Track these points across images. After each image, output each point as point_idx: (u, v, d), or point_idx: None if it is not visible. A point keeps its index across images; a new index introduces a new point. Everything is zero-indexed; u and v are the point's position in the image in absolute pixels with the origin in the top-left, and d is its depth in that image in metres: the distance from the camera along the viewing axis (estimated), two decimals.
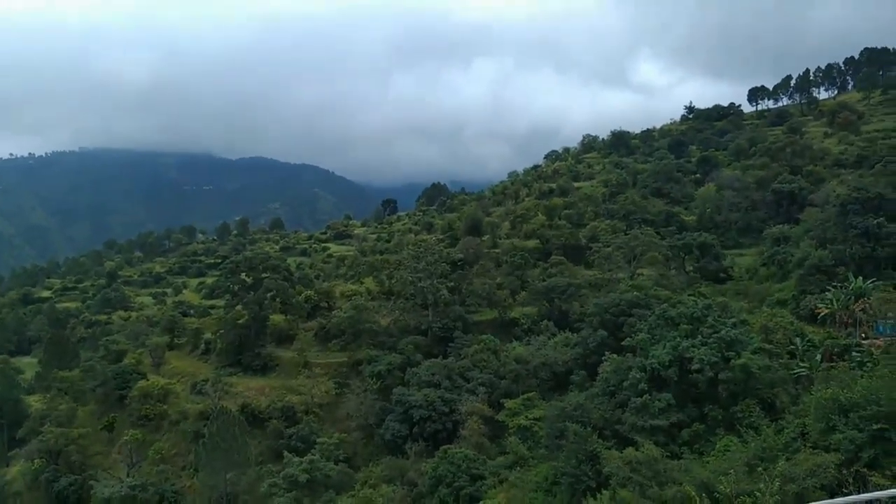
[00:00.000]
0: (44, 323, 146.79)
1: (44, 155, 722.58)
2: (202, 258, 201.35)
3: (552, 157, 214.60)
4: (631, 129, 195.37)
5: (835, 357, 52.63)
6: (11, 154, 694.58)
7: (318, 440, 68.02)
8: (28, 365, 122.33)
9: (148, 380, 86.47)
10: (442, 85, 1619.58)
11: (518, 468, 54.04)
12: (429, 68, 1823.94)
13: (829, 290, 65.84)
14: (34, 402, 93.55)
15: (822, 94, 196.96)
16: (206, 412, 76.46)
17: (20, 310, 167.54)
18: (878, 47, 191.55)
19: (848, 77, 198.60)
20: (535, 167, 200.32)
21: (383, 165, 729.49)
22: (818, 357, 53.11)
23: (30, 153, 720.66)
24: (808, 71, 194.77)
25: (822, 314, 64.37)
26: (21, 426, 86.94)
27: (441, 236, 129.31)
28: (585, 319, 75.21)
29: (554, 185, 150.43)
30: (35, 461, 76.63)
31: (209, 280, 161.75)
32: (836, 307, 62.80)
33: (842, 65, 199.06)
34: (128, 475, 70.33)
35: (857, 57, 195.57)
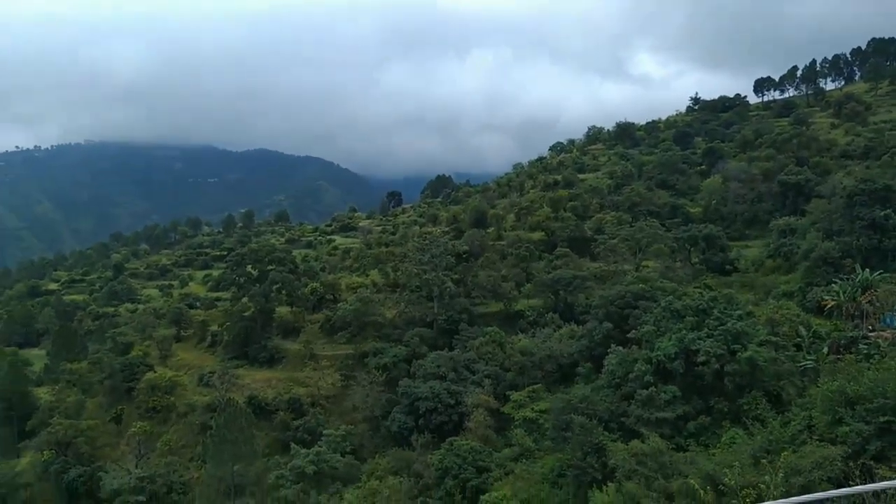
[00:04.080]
0: (51, 315, 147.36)
1: (49, 147, 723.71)
2: (208, 250, 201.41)
3: (557, 148, 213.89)
4: (629, 120, 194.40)
5: (841, 349, 52.58)
6: (17, 146, 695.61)
7: (325, 432, 68.45)
8: (36, 357, 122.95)
9: (155, 372, 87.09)
10: (439, 76, 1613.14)
11: (524, 460, 54.34)
12: (426, 59, 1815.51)
13: (835, 282, 65.68)
14: (43, 395, 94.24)
15: (829, 85, 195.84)
16: (213, 404, 77.09)
17: (28, 302, 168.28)
18: (886, 37, 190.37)
19: (855, 68, 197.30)
20: (540, 159, 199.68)
21: (384, 157, 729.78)
22: (825, 349, 53.10)
23: (35, 146, 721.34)
24: (814, 61, 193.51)
25: (829, 306, 64.24)
26: (30, 418, 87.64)
27: (446, 228, 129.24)
28: (591, 312, 75.34)
29: (559, 177, 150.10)
30: (44, 453, 77.28)
31: (215, 272, 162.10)
32: (842, 299, 62.69)
33: (848, 55, 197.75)
34: (136, 466, 70.81)
35: (864, 47, 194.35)
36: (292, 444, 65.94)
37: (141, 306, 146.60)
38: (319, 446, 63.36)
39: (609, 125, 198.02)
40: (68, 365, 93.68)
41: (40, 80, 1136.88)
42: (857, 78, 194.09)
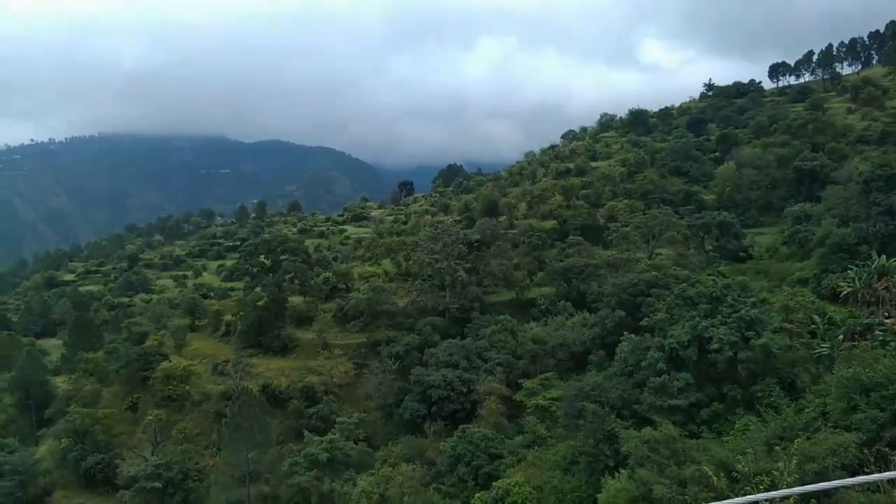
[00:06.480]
0: (68, 306, 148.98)
1: (63, 140, 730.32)
2: (221, 241, 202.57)
3: (569, 136, 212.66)
4: (638, 107, 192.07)
5: (857, 336, 52.07)
6: (32, 140, 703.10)
7: (338, 420, 68.77)
8: (53, 347, 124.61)
9: (170, 361, 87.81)
10: (448, 64, 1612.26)
11: (536, 447, 54.41)
12: (435, 47, 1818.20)
13: (851, 269, 65.02)
14: (60, 383, 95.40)
15: (846, 70, 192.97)
16: (227, 393, 77.71)
17: (45, 293, 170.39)
18: None
19: (872, 52, 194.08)
20: (552, 147, 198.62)
21: (396, 146, 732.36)
22: (840, 336, 52.60)
23: (50, 138, 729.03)
24: (830, 46, 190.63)
25: (844, 293, 63.64)
26: (48, 406, 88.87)
27: (458, 217, 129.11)
28: (603, 299, 75.07)
29: (571, 165, 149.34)
30: (62, 440, 78.43)
31: (228, 262, 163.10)
32: (858, 286, 62.08)
33: (866, 39, 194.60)
34: (152, 454, 71.68)
35: (882, 31, 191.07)
36: (306, 432, 66.34)
37: (155, 296, 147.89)
38: (333, 434, 63.70)
39: (619, 113, 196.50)
40: (85, 354, 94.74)
41: (53, 74, 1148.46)
42: (874, 62, 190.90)
